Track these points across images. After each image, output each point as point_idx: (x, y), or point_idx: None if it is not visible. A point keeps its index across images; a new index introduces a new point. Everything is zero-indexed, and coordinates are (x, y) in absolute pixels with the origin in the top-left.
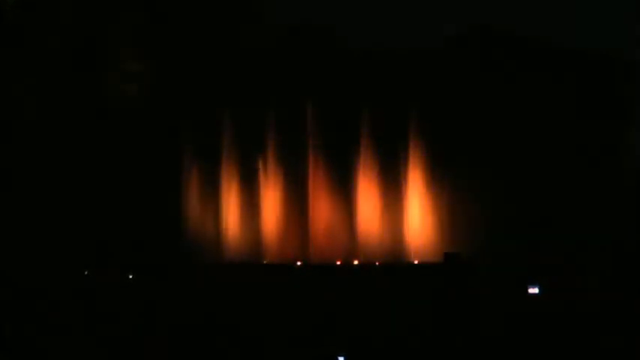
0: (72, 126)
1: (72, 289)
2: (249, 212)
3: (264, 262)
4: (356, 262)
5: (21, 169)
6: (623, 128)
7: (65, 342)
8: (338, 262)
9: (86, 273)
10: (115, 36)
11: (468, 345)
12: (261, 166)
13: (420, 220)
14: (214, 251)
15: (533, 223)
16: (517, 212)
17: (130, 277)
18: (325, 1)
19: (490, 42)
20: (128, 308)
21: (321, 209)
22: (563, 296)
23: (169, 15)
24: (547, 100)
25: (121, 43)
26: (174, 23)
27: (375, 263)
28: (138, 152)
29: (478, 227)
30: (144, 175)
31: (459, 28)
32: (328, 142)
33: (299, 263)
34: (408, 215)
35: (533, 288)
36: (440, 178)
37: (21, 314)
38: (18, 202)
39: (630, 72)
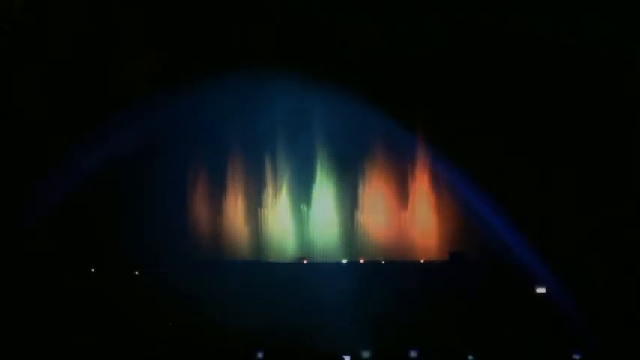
0: (78, 125)
1: (78, 286)
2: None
3: (269, 260)
4: (362, 261)
5: (26, 169)
6: (626, 128)
7: (71, 339)
8: (344, 261)
9: (93, 270)
10: (122, 35)
11: (472, 343)
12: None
13: (425, 219)
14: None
15: (538, 222)
16: (521, 212)
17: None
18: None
19: (490, 42)
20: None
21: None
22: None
23: (177, 13)
24: (548, 101)
25: (127, 42)
26: (180, 21)
27: (380, 261)
28: (142, 151)
29: (484, 227)
30: (147, 174)
31: (460, 30)
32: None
33: (305, 261)
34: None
35: (540, 288)
36: (445, 178)
37: (27, 313)
38: (27, 200)
39: (632, 71)
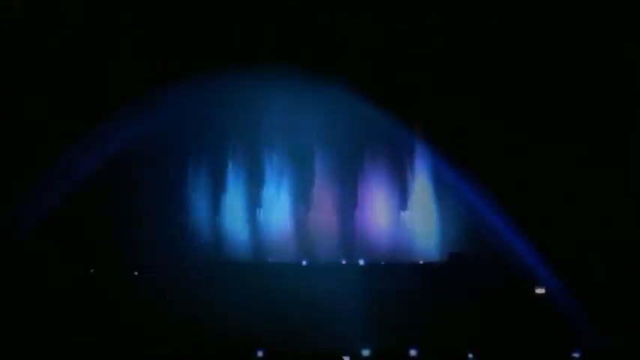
0: (78, 125)
1: (78, 287)
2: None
3: (269, 260)
4: (361, 262)
5: (26, 169)
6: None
7: (71, 339)
8: (343, 262)
9: (92, 271)
10: (122, 35)
11: (472, 342)
12: None
13: (425, 220)
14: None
15: (538, 223)
16: (521, 213)
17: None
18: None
19: (489, 42)
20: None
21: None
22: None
23: (176, 12)
24: (548, 101)
25: (127, 42)
26: (180, 21)
27: (380, 263)
28: (141, 151)
29: (484, 227)
30: (147, 174)
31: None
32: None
33: (304, 262)
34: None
35: (540, 288)
36: (445, 178)
37: (26, 313)
38: (26, 200)
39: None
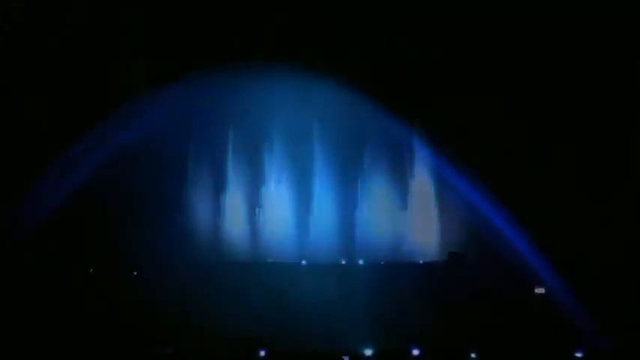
0: (78, 125)
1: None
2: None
3: (269, 260)
4: (361, 262)
5: (26, 169)
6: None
7: (69, 340)
8: (343, 262)
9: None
10: (122, 35)
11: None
12: None
13: (425, 219)
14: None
15: (539, 222)
16: (521, 213)
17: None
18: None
19: (490, 42)
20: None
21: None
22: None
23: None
24: (549, 101)
25: (127, 41)
26: (179, 19)
27: (380, 263)
28: (141, 151)
29: (484, 227)
30: (146, 174)
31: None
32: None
33: (304, 262)
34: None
35: (540, 288)
36: (446, 178)
37: (26, 313)
38: (26, 200)
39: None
